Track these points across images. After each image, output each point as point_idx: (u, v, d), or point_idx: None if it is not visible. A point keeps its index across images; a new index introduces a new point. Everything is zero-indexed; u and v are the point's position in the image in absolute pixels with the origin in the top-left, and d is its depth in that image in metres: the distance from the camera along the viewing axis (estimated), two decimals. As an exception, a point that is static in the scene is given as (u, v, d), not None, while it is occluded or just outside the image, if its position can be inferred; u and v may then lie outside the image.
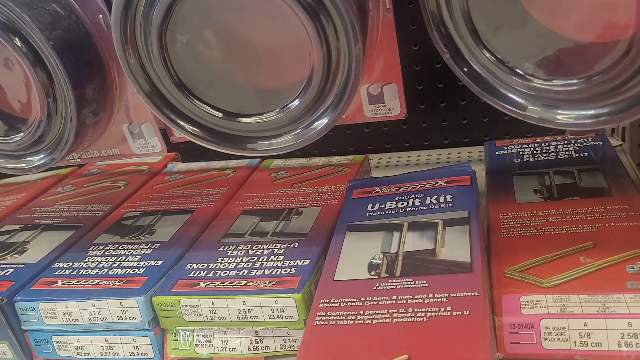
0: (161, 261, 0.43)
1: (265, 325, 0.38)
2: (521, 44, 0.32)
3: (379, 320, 0.34)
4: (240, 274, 0.40)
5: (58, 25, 0.39)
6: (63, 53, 0.38)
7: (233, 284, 0.39)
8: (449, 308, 0.33)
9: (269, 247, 0.43)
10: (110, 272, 0.43)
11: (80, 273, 0.43)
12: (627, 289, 0.33)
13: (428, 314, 0.33)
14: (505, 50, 0.33)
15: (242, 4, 0.34)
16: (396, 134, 0.70)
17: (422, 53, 0.64)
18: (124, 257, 0.45)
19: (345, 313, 0.35)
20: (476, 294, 0.34)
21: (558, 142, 0.54)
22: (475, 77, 0.35)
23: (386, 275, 0.37)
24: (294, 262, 0.40)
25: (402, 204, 0.45)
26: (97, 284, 0.42)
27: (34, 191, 0.61)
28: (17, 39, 0.38)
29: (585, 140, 0.53)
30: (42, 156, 0.43)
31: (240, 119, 0.38)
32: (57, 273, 0.44)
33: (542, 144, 0.54)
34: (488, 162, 0.53)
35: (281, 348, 0.39)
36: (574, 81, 0.31)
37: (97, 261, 0.45)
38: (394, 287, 0.36)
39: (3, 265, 0.46)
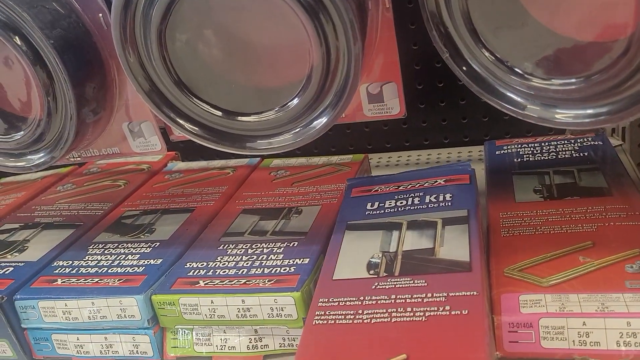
0: (161, 260, 0.44)
1: (265, 324, 0.38)
2: (520, 44, 0.32)
3: (378, 320, 0.33)
4: (239, 273, 0.40)
5: (58, 24, 0.39)
6: (63, 52, 0.38)
7: (232, 282, 0.39)
8: (447, 307, 0.33)
9: (269, 246, 0.43)
10: (110, 271, 0.43)
11: (80, 271, 0.43)
12: (626, 288, 0.33)
13: (427, 314, 0.33)
14: (504, 49, 0.33)
15: (242, 3, 0.34)
16: (396, 133, 0.70)
17: (422, 52, 0.64)
18: (124, 256, 0.45)
19: (344, 312, 0.35)
20: (475, 293, 0.34)
21: (558, 142, 0.54)
22: (475, 76, 0.35)
23: (385, 274, 0.37)
24: (294, 261, 0.41)
25: (401, 203, 0.45)
26: (97, 282, 0.42)
27: (34, 190, 0.61)
28: (17, 37, 0.38)
29: (585, 140, 0.53)
30: (42, 155, 0.43)
31: (239, 118, 0.38)
32: (57, 271, 0.44)
33: (542, 144, 0.54)
34: (488, 162, 0.53)
35: (280, 347, 0.39)
36: (573, 80, 0.32)
37: (96, 260, 0.45)
38: (393, 286, 0.36)
39: (3, 264, 0.46)
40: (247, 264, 0.41)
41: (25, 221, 0.54)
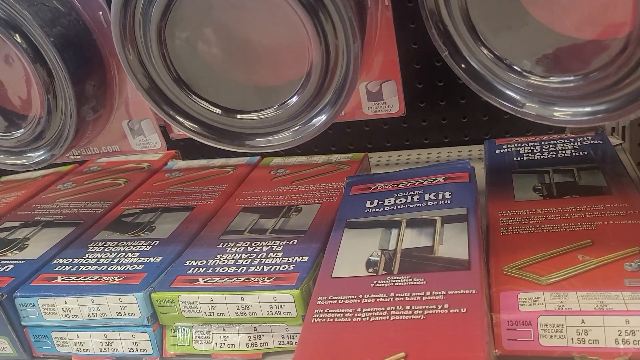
0: (160, 258, 0.44)
1: (264, 322, 0.38)
2: (519, 41, 0.32)
3: (377, 318, 0.33)
4: (239, 271, 0.40)
5: (58, 22, 0.39)
6: (63, 49, 0.38)
7: (232, 280, 0.39)
8: (446, 306, 0.33)
9: (268, 244, 0.43)
10: (109, 269, 0.43)
11: (80, 269, 0.44)
12: (625, 286, 0.33)
13: (425, 312, 0.33)
14: (503, 47, 0.33)
15: (241, 1, 0.34)
16: (396, 132, 0.70)
17: (422, 51, 0.64)
18: (124, 254, 0.45)
19: (342, 310, 0.35)
20: (474, 291, 0.34)
21: (558, 141, 0.54)
22: (474, 74, 0.35)
23: (384, 272, 0.37)
24: (293, 259, 0.41)
25: (400, 201, 0.45)
26: (97, 280, 0.42)
27: (34, 188, 0.61)
28: (17, 35, 0.38)
29: (585, 139, 0.53)
30: (42, 152, 0.43)
31: (238, 116, 0.38)
32: (57, 269, 0.44)
33: (542, 143, 0.54)
34: (488, 161, 0.53)
35: (279, 344, 0.39)
36: (571, 78, 0.32)
37: (96, 258, 0.45)
38: (392, 284, 0.36)
39: (3, 262, 0.46)
40: (246, 262, 0.41)
41: (26, 219, 0.54)
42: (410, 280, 0.36)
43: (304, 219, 0.47)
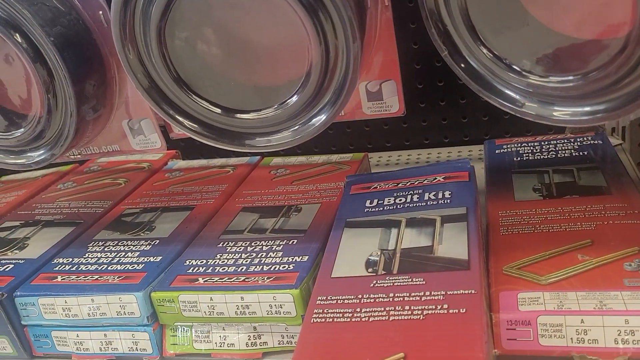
0: (160, 257, 0.44)
1: (263, 321, 0.38)
2: (518, 41, 0.32)
3: (376, 318, 0.33)
4: (238, 270, 0.40)
5: (58, 21, 0.39)
6: (63, 49, 0.38)
7: (232, 280, 0.39)
8: (445, 306, 0.33)
9: (268, 244, 0.43)
10: (109, 268, 0.43)
11: (79, 269, 0.44)
12: (624, 286, 0.33)
13: (425, 312, 0.33)
14: (502, 47, 0.33)
15: (241, 1, 0.34)
16: (396, 132, 0.70)
17: (422, 51, 0.64)
18: (124, 253, 0.45)
19: (342, 310, 0.35)
20: (473, 291, 0.34)
21: (558, 141, 0.54)
22: (473, 73, 0.35)
23: (383, 272, 0.37)
24: (293, 259, 0.41)
25: (400, 200, 0.45)
26: (97, 279, 0.42)
27: (35, 188, 0.61)
28: (17, 34, 0.38)
29: (585, 139, 0.53)
30: (42, 152, 0.43)
31: (238, 115, 0.38)
32: (57, 269, 0.44)
33: (542, 143, 0.54)
34: (488, 161, 0.53)
35: (279, 344, 0.39)
36: (571, 78, 0.32)
37: (96, 257, 0.45)
38: (391, 284, 0.36)
39: (3, 261, 0.46)
40: (246, 261, 0.41)
41: (26, 219, 0.54)
42: (410, 280, 0.36)
43: (304, 218, 0.47)
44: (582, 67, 0.31)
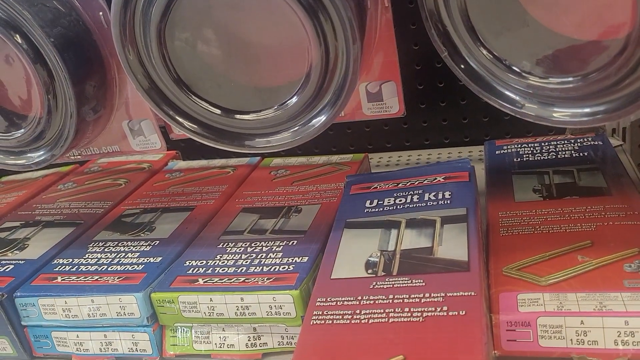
0: (160, 258, 0.44)
1: (263, 322, 0.38)
2: (518, 42, 0.32)
3: (376, 320, 0.33)
4: (238, 271, 0.40)
5: (58, 22, 0.39)
6: (63, 50, 0.38)
7: (231, 280, 0.39)
8: (445, 308, 0.33)
9: (268, 245, 0.43)
10: (109, 269, 0.43)
11: (80, 269, 0.44)
12: (624, 287, 0.33)
13: (424, 314, 0.33)
14: (502, 48, 0.33)
15: (241, 2, 0.35)
16: (396, 133, 0.70)
17: (423, 52, 0.64)
18: (124, 254, 0.45)
19: (341, 312, 0.34)
20: (473, 293, 0.34)
21: (558, 142, 0.54)
22: (473, 74, 0.35)
23: (383, 273, 0.37)
24: (292, 260, 0.41)
25: (400, 201, 0.45)
26: (97, 280, 0.42)
27: (35, 188, 0.61)
28: (17, 35, 0.38)
29: (585, 140, 0.53)
30: (42, 152, 0.43)
31: (238, 116, 0.38)
32: (57, 269, 0.44)
33: (542, 144, 0.54)
34: (488, 162, 0.53)
35: (279, 345, 0.39)
36: (570, 79, 0.32)
37: (96, 258, 0.45)
38: (391, 286, 0.36)
39: (4, 261, 0.46)
40: (246, 262, 0.41)
41: (26, 219, 0.54)
42: (409, 281, 0.36)
43: (304, 219, 0.47)
44: (582, 68, 0.31)
